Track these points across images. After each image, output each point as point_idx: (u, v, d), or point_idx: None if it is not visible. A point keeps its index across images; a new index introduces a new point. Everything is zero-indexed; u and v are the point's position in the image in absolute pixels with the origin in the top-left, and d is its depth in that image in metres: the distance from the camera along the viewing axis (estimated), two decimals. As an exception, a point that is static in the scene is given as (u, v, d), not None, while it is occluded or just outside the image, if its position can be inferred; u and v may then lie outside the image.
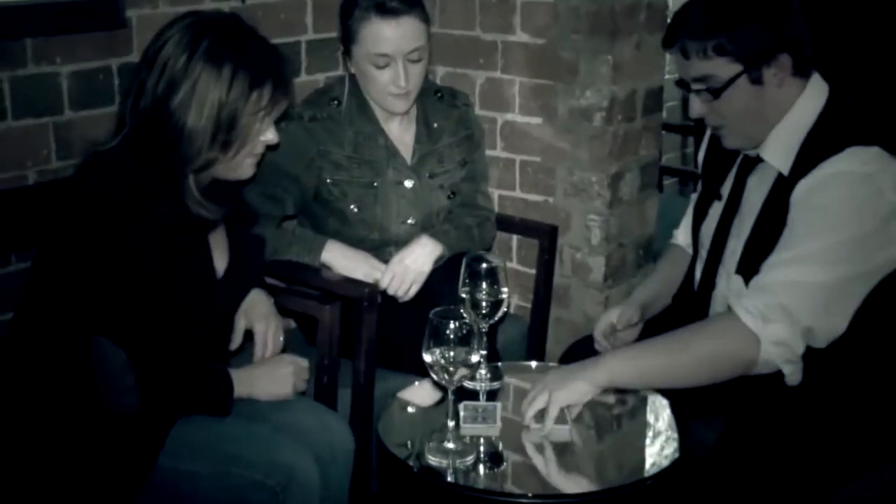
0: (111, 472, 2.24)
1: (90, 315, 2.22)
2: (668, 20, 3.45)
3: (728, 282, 2.55)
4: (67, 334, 2.24)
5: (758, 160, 2.51)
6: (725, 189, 2.62)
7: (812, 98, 2.44)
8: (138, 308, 2.24)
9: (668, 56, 3.74)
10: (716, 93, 2.41)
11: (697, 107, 2.47)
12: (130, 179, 2.26)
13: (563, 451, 2.25)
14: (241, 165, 2.40)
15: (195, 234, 2.39)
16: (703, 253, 2.65)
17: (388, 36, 2.88)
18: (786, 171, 2.41)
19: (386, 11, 2.87)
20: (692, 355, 2.33)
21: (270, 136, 2.40)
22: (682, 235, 2.90)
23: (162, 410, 2.29)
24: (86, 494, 2.23)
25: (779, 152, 2.44)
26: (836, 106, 2.44)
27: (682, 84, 2.49)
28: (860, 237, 2.28)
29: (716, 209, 2.64)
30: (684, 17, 2.44)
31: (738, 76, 2.39)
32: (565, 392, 2.30)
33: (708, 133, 2.75)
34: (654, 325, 2.76)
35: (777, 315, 2.27)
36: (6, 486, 2.22)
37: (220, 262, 2.48)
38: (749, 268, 2.47)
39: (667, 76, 3.81)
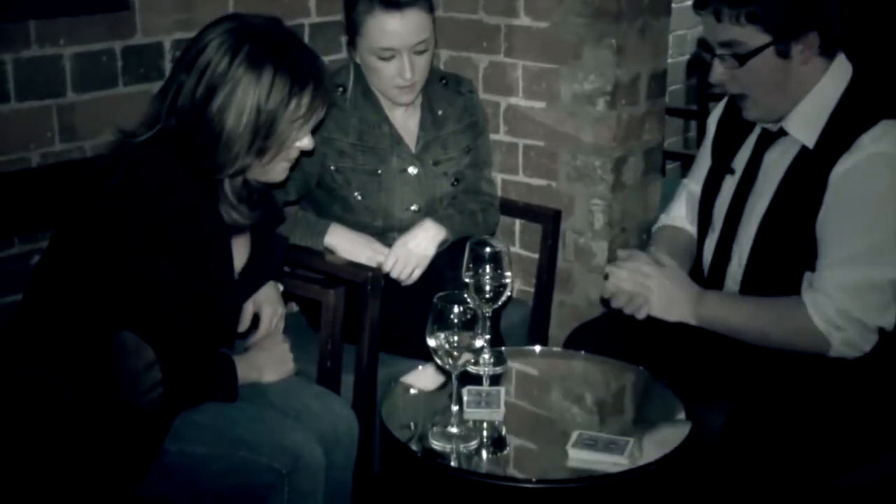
0: (116, 456, 2.24)
1: (113, 305, 2.22)
2: (672, 3, 3.47)
3: (739, 258, 2.55)
4: (85, 321, 2.24)
5: (778, 135, 2.51)
6: (738, 164, 2.62)
7: (837, 75, 2.46)
8: (161, 301, 2.23)
9: (671, 39, 3.74)
10: (741, 59, 2.42)
11: (719, 72, 2.48)
12: (164, 175, 2.26)
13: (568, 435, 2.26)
14: (274, 170, 2.40)
15: (220, 235, 2.39)
16: (716, 229, 2.65)
17: (394, 30, 2.85)
18: (811, 145, 2.43)
19: (390, 4, 2.84)
20: (772, 337, 2.45)
21: (307, 142, 2.40)
22: (677, 214, 2.88)
23: (182, 404, 2.30)
24: (90, 478, 2.23)
25: (803, 126, 2.45)
26: (860, 83, 2.46)
27: (705, 47, 2.50)
28: None
29: (729, 184, 2.63)
30: None
31: (765, 46, 2.40)
32: (662, 309, 2.52)
33: (720, 108, 2.75)
34: None
35: (845, 322, 2.35)
36: (7, 468, 2.22)
37: (240, 260, 2.48)
38: (768, 242, 2.49)
39: (670, 60, 3.80)
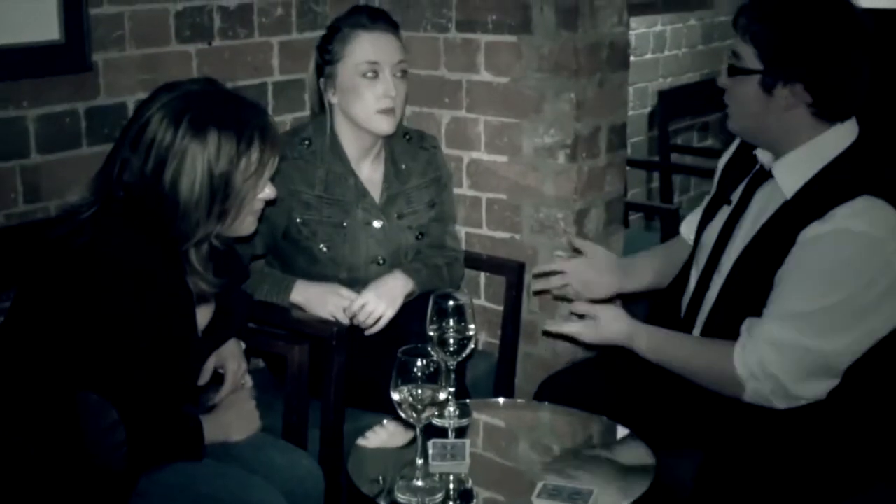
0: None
1: (76, 365, 2.21)
2: (630, 57, 3.52)
3: (715, 287, 2.58)
4: (50, 381, 2.23)
5: (770, 175, 2.54)
6: (736, 196, 2.65)
7: (838, 138, 2.47)
8: (126, 363, 2.23)
9: (633, 92, 3.79)
10: (731, 71, 2.48)
11: (724, 76, 2.54)
12: (129, 241, 2.26)
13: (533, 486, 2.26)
14: (242, 224, 2.41)
15: (186, 303, 2.39)
16: (703, 255, 2.67)
17: (377, 44, 2.99)
18: (788, 194, 2.45)
19: (372, 28, 3.00)
20: (693, 372, 2.52)
21: (268, 192, 2.41)
22: (687, 227, 2.93)
23: (147, 463, 2.29)
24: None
25: (789, 174, 2.47)
26: (858, 151, 2.46)
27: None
28: (859, 306, 2.35)
29: (723, 213, 2.66)
30: None
31: (753, 72, 2.44)
32: (605, 336, 2.62)
33: (731, 149, 2.79)
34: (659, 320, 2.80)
35: (761, 374, 2.38)
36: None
37: (203, 318, 2.48)
38: (737, 283, 2.51)
39: (632, 112, 3.85)
